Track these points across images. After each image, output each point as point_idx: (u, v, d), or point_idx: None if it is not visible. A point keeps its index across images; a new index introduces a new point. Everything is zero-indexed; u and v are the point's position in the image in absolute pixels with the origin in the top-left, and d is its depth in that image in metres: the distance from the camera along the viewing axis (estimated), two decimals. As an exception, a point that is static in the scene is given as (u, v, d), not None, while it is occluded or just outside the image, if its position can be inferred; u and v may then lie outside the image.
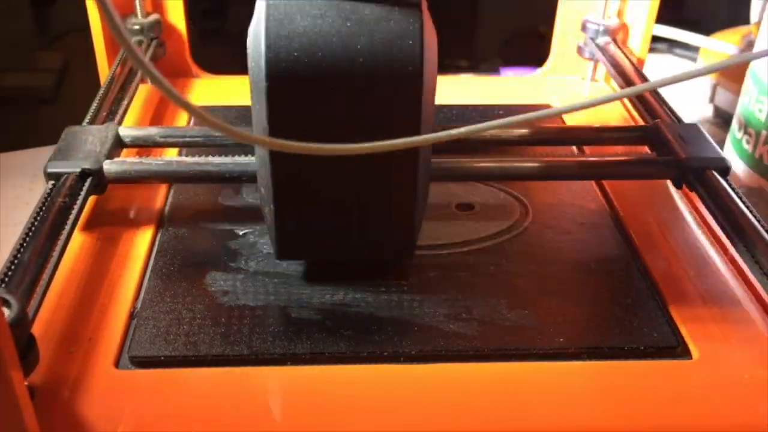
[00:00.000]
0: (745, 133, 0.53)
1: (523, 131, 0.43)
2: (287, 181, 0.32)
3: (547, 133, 0.45)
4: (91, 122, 0.43)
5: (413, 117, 0.30)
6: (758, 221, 0.35)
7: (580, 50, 0.57)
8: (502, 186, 0.43)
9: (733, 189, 0.37)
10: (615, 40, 0.55)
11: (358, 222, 0.34)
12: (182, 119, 0.51)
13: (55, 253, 0.32)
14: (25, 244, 0.32)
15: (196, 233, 0.39)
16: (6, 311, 0.26)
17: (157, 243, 0.38)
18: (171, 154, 0.45)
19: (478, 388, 0.30)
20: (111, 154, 0.39)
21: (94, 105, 0.44)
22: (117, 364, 0.31)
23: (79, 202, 0.36)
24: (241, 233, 0.39)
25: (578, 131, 0.46)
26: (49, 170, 0.37)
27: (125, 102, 0.46)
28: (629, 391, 0.30)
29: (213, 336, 0.32)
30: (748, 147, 0.52)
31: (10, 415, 0.23)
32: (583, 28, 0.56)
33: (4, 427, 0.23)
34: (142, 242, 0.38)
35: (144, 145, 0.43)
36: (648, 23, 0.55)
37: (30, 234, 0.32)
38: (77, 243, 0.37)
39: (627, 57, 0.52)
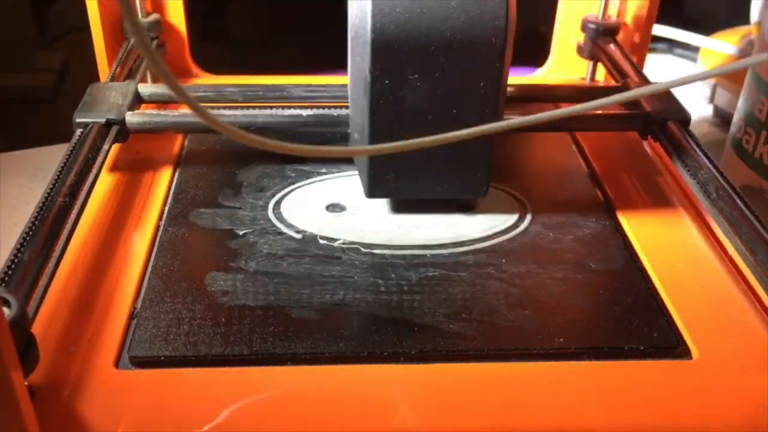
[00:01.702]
0: (745, 133, 0.53)
1: (508, 90, 0.47)
2: (382, 128, 0.36)
3: (527, 90, 0.50)
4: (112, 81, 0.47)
5: (498, 69, 0.35)
6: (750, 211, 0.36)
7: (579, 50, 0.57)
8: (502, 186, 0.43)
9: (692, 138, 0.42)
10: (615, 40, 0.55)
11: (441, 161, 0.38)
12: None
13: (56, 253, 0.33)
14: (25, 244, 0.31)
15: (195, 233, 0.39)
16: (6, 311, 0.26)
17: (157, 242, 0.38)
18: (186, 109, 0.46)
19: (478, 388, 0.30)
20: (132, 107, 0.43)
21: (115, 65, 0.49)
22: (117, 364, 0.31)
23: (82, 195, 0.37)
24: (241, 233, 0.39)
25: (555, 89, 0.51)
26: (78, 120, 0.41)
27: (142, 68, 0.50)
28: (629, 391, 0.31)
29: (213, 336, 0.32)
30: (748, 147, 0.52)
31: (10, 415, 0.23)
32: (583, 28, 0.56)
33: (4, 427, 0.23)
34: (143, 238, 0.38)
35: (160, 101, 0.47)
36: (648, 23, 0.55)
37: (31, 232, 0.32)
38: (80, 237, 0.37)
39: (627, 57, 0.52)
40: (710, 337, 0.33)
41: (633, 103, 0.46)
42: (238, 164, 0.45)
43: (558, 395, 0.30)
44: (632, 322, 0.34)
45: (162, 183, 0.43)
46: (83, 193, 0.36)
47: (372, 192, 0.39)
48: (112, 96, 0.44)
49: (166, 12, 0.55)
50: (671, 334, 0.33)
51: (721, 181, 0.38)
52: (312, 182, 0.43)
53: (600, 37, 0.55)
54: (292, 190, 0.43)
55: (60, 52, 0.77)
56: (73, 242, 0.35)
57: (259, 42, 0.77)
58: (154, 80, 0.55)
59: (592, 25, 0.55)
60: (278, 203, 0.41)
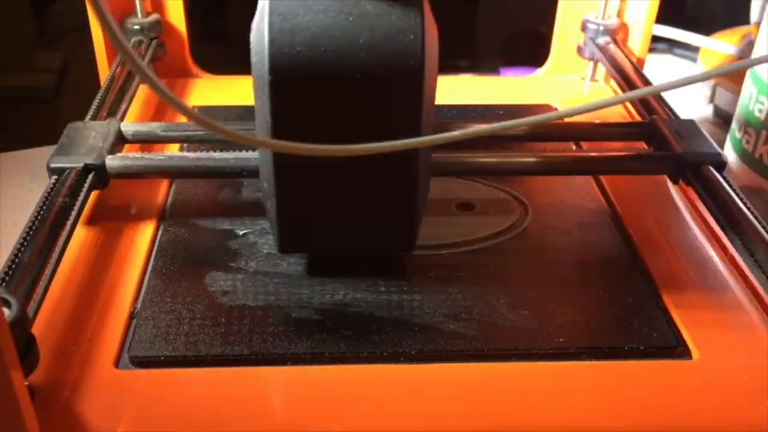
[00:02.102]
0: (745, 132, 0.53)
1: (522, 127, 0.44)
2: (289, 176, 0.32)
3: (545, 128, 0.45)
4: (93, 119, 0.43)
5: (415, 111, 0.31)
6: (753, 215, 0.35)
7: (580, 50, 0.57)
8: (502, 186, 0.43)
9: (728, 183, 0.38)
10: (615, 40, 0.55)
11: (358, 215, 0.34)
12: (183, 118, 0.51)
13: (55, 254, 0.33)
14: (25, 244, 0.32)
15: (196, 233, 0.39)
16: (6, 311, 0.26)
17: (157, 242, 0.38)
18: (173, 150, 0.45)
19: (478, 388, 0.30)
20: (113, 150, 0.40)
21: (96, 102, 0.45)
22: (117, 364, 0.31)
23: (81, 196, 0.36)
24: (241, 233, 0.39)
25: (576, 127, 0.46)
26: (52, 165, 0.38)
27: (126, 101, 0.46)
28: (629, 391, 0.30)
29: (213, 336, 0.32)
30: (747, 147, 0.52)
31: (10, 415, 0.23)
32: (583, 28, 0.56)
33: (4, 428, 0.23)
34: (143, 239, 0.38)
35: (146, 141, 0.43)
36: (648, 23, 0.55)
37: (31, 233, 0.32)
38: (78, 240, 0.37)
39: (627, 57, 0.52)
40: (710, 338, 0.33)
41: (660, 141, 0.42)
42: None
43: (558, 395, 0.30)
44: (632, 323, 0.34)
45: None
46: (57, 251, 0.33)
47: (285, 247, 0.35)
48: (91, 137, 0.40)
49: (166, 12, 0.55)
50: (671, 335, 0.33)
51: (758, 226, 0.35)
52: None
53: (600, 37, 0.55)
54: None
55: (60, 52, 0.77)
56: (73, 241, 0.35)
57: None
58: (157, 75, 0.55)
59: (592, 25, 0.55)
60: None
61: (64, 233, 0.34)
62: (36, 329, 0.30)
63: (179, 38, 0.56)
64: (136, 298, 0.34)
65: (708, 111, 0.74)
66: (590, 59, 0.57)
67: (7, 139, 0.63)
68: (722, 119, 0.71)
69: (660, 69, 0.80)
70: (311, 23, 0.29)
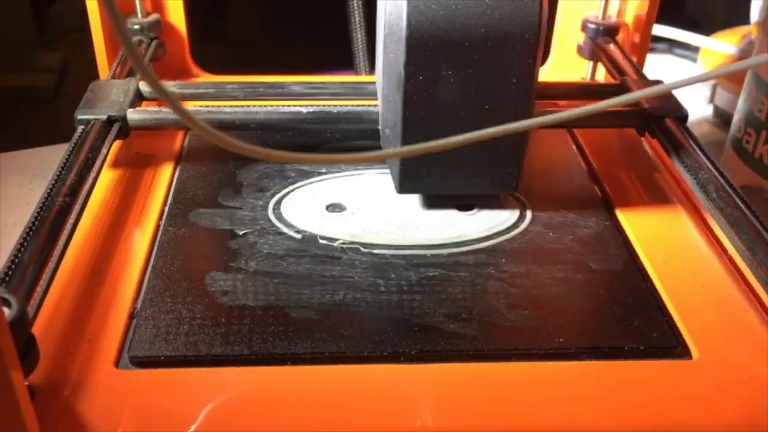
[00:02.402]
0: (745, 132, 0.53)
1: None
2: (414, 124, 0.37)
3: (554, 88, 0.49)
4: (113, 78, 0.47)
5: (531, 66, 0.36)
6: (751, 211, 0.36)
7: (579, 50, 0.57)
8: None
9: (689, 134, 0.42)
10: (615, 40, 0.55)
11: (472, 157, 0.38)
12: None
13: (56, 253, 0.32)
14: (25, 244, 0.31)
15: (196, 233, 0.39)
16: (6, 311, 0.26)
17: (157, 242, 0.38)
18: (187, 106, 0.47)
19: (478, 388, 0.30)
20: (133, 105, 0.44)
21: (116, 63, 0.49)
22: (117, 364, 0.31)
23: (82, 194, 0.37)
24: (241, 233, 0.39)
25: (554, 87, 0.51)
26: (79, 117, 0.42)
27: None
28: (629, 391, 0.30)
29: (213, 336, 0.32)
30: (747, 147, 0.52)
31: (10, 415, 0.23)
32: (583, 28, 0.56)
33: (4, 428, 0.23)
34: (143, 238, 0.38)
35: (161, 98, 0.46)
36: (648, 23, 0.55)
37: (31, 232, 0.32)
38: (80, 237, 0.37)
39: (627, 57, 0.52)
40: (710, 337, 0.33)
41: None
42: (238, 163, 0.45)
43: (558, 395, 0.30)
44: (632, 322, 0.34)
45: (162, 181, 0.43)
46: (84, 191, 0.37)
47: (403, 187, 0.40)
48: (113, 93, 0.44)
49: (166, 12, 0.55)
50: (671, 334, 0.33)
51: (721, 180, 0.38)
52: (312, 182, 0.43)
53: (600, 37, 0.55)
54: (292, 190, 0.43)
55: (60, 52, 0.77)
56: (73, 242, 0.35)
57: (259, 42, 0.77)
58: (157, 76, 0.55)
59: (592, 25, 0.55)
60: (278, 203, 0.41)
61: (66, 232, 0.34)
62: (36, 329, 0.30)
63: (179, 38, 0.56)
64: (136, 298, 0.34)
65: (708, 111, 0.74)
66: (590, 59, 0.57)
67: (7, 139, 0.64)
68: (722, 119, 0.72)
69: (660, 69, 0.80)
70: None
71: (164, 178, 0.43)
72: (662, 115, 0.44)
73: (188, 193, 0.42)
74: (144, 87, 0.46)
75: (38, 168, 0.57)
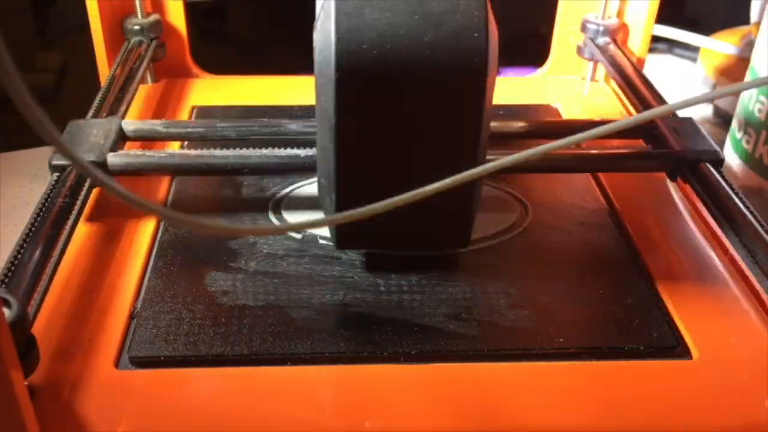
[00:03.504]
0: (745, 132, 0.53)
1: (522, 125, 0.44)
2: (350, 173, 0.33)
3: (545, 126, 0.45)
4: (94, 117, 0.43)
5: (477, 109, 0.31)
6: (751, 213, 0.35)
7: (579, 50, 0.57)
8: (502, 185, 0.43)
9: (726, 181, 0.38)
10: (615, 41, 0.55)
11: (416, 215, 0.33)
12: (183, 118, 0.51)
13: (56, 254, 0.33)
14: (26, 244, 0.32)
15: (196, 233, 0.39)
16: (6, 311, 0.26)
17: (157, 242, 0.38)
18: (174, 148, 0.45)
19: (478, 388, 0.30)
20: (115, 147, 0.40)
21: (96, 102, 0.45)
22: (117, 365, 0.31)
23: (83, 194, 0.36)
24: (241, 233, 0.39)
25: (575, 125, 0.46)
26: (54, 162, 0.38)
27: (126, 100, 0.46)
28: (629, 391, 0.30)
29: (213, 336, 0.32)
30: (747, 147, 0.52)
31: (10, 416, 0.23)
32: (583, 28, 0.56)
33: (4, 428, 0.23)
34: (143, 237, 0.38)
35: (147, 138, 0.43)
36: (648, 23, 0.55)
37: (31, 232, 0.32)
38: (79, 239, 0.37)
39: (627, 57, 0.52)
40: (710, 338, 0.33)
41: (659, 140, 0.42)
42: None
43: (558, 395, 0.30)
44: (632, 323, 0.34)
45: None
46: (58, 248, 0.33)
47: (341, 243, 0.36)
48: (92, 135, 0.40)
49: (166, 12, 0.55)
50: (671, 335, 0.33)
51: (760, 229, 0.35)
52: (312, 182, 0.43)
53: (600, 38, 0.55)
54: (292, 190, 0.43)
55: (60, 53, 0.77)
56: (72, 242, 0.35)
57: (259, 42, 0.77)
58: (158, 76, 0.55)
59: (592, 26, 0.55)
60: (278, 202, 0.41)
61: (65, 232, 0.34)
62: (36, 329, 0.30)
63: (179, 38, 0.56)
64: (136, 298, 0.34)
65: (708, 111, 0.74)
66: (590, 59, 0.57)
67: (7, 139, 0.63)
68: (722, 119, 0.71)
69: (660, 69, 0.80)
70: (377, 22, 0.30)
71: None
72: (696, 160, 0.40)
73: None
74: (127, 125, 0.42)
75: (38, 168, 0.57)
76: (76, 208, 0.35)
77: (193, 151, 0.40)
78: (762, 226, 0.34)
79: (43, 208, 0.34)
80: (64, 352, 0.31)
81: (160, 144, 0.45)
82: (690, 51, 0.82)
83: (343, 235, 0.35)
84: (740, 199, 0.37)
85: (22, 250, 0.31)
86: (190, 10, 0.56)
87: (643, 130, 0.44)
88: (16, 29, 0.76)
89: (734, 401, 0.30)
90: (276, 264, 0.37)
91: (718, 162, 0.40)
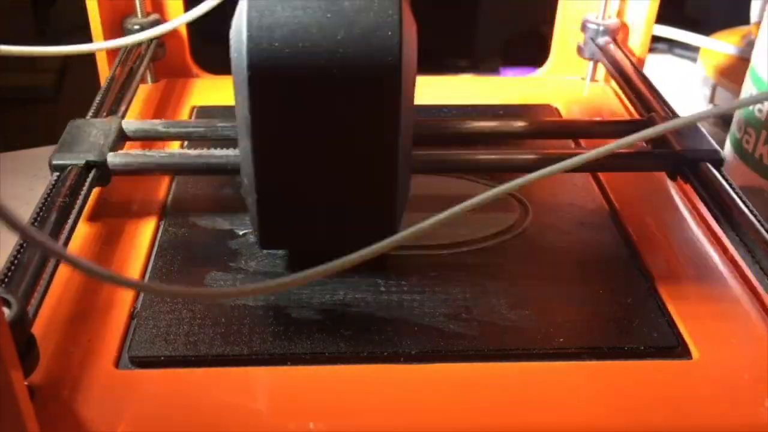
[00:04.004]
0: (745, 132, 0.53)
1: (521, 124, 0.44)
2: (269, 172, 0.32)
3: (544, 126, 0.45)
4: (95, 117, 0.43)
5: (393, 108, 0.31)
6: (752, 212, 0.35)
7: (579, 50, 0.57)
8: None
9: (727, 181, 0.38)
10: (615, 40, 0.55)
11: (338, 212, 0.34)
12: (182, 118, 0.51)
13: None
14: (25, 244, 0.31)
15: (196, 233, 0.39)
16: (6, 311, 0.26)
17: (157, 242, 0.38)
18: (174, 147, 0.45)
19: (478, 388, 0.30)
20: (115, 147, 0.40)
21: (96, 101, 0.45)
22: (117, 365, 0.31)
23: (83, 193, 0.36)
24: (241, 233, 0.39)
25: (574, 124, 0.47)
26: (54, 162, 0.38)
27: (126, 100, 0.46)
28: (629, 391, 0.30)
29: (213, 336, 0.32)
30: (747, 147, 0.52)
31: (10, 415, 0.23)
32: (583, 28, 0.56)
33: (4, 427, 0.23)
34: (144, 237, 0.38)
35: (147, 138, 0.43)
36: (648, 23, 0.55)
37: (37, 220, 0.32)
38: (79, 238, 0.37)
39: (627, 57, 0.52)
40: (710, 338, 0.33)
41: (661, 141, 0.42)
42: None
43: (558, 395, 0.30)
44: (632, 322, 0.34)
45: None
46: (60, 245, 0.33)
47: (265, 243, 0.35)
48: (92, 134, 0.40)
49: (165, 12, 0.55)
50: (671, 334, 0.33)
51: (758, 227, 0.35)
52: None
53: (600, 37, 0.55)
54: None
55: (60, 53, 0.77)
56: (73, 241, 0.35)
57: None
58: (158, 75, 0.55)
59: (592, 26, 0.55)
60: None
61: (65, 232, 0.34)
62: (36, 329, 0.30)
63: (179, 38, 0.56)
64: (136, 298, 0.34)
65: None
66: (590, 59, 0.57)
67: (6, 139, 0.64)
68: (722, 119, 0.71)
69: (660, 69, 0.80)
70: (289, 20, 0.30)
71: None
72: (698, 158, 0.40)
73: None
74: (127, 125, 0.42)
75: (38, 168, 0.57)
76: (76, 207, 0.35)
77: (193, 151, 0.40)
78: (763, 225, 0.34)
79: (43, 208, 0.34)
80: (64, 352, 0.31)
81: (160, 144, 0.45)
82: (690, 51, 0.82)
83: (267, 236, 0.35)
84: (741, 198, 0.37)
85: (22, 250, 0.31)
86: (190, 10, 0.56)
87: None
88: (16, 29, 0.76)
89: (734, 401, 0.30)
90: (276, 264, 0.37)
91: (719, 162, 0.40)
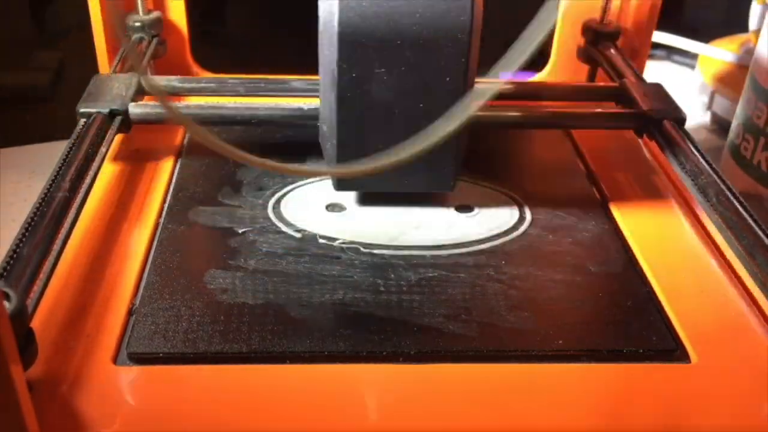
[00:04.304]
0: (744, 139, 0.53)
1: (504, 88, 0.47)
2: (350, 118, 0.37)
3: (522, 88, 0.50)
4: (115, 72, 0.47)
5: (462, 70, 0.36)
6: (709, 164, 0.38)
7: (579, 54, 0.57)
8: (502, 187, 0.44)
9: (687, 136, 0.42)
10: (615, 45, 0.55)
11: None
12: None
13: (56, 247, 0.32)
14: (24, 238, 0.31)
15: (195, 230, 0.39)
16: (6, 305, 0.26)
17: (156, 239, 0.38)
18: (188, 102, 0.49)
19: (478, 389, 0.30)
20: (135, 99, 0.44)
21: (118, 58, 0.49)
22: (115, 361, 0.31)
23: (83, 189, 0.37)
24: (240, 231, 0.39)
25: (550, 88, 0.51)
26: (82, 110, 0.42)
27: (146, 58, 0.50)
28: (628, 394, 0.31)
29: (212, 333, 0.32)
30: (746, 153, 0.52)
31: (8, 409, 0.23)
32: (583, 32, 0.56)
33: (2, 421, 0.23)
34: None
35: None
36: (648, 28, 0.55)
37: (31, 226, 0.32)
38: (79, 232, 0.37)
39: (627, 62, 0.52)
40: (709, 341, 0.33)
41: (629, 102, 0.46)
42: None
43: (557, 397, 0.30)
44: (631, 325, 0.34)
45: (162, 177, 0.43)
46: (85, 185, 0.36)
47: (340, 185, 0.40)
48: (115, 87, 0.44)
49: (167, 10, 0.55)
50: (670, 338, 0.33)
51: (720, 184, 0.38)
52: (312, 181, 0.43)
53: (600, 42, 0.55)
54: (292, 189, 0.43)
55: (58, 51, 0.77)
56: (72, 237, 0.35)
57: (259, 42, 0.77)
58: (158, 73, 0.55)
59: (592, 30, 0.55)
60: (278, 202, 0.41)
61: (65, 226, 0.34)
62: (35, 324, 0.30)
63: (180, 36, 0.56)
64: (134, 294, 0.34)
65: (706, 118, 0.74)
66: (590, 64, 0.57)
67: (4, 135, 0.63)
68: (720, 126, 0.72)
69: (658, 76, 0.80)
70: None
71: (164, 174, 0.44)
72: (661, 118, 0.44)
73: (188, 190, 0.42)
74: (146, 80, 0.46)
75: (36, 164, 0.57)
76: (77, 200, 0.36)
77: (205, 103, 0.44)
78: (761, 228, 0.34)
79: (71, 151, 0.37)
80: (63, 347, 0.31)
81: (176, 98, 0.50)
82: (688, 58, 0.82)
83: (342, 179, 0.40)
84: (701, 154, 0.40)
85: (21, 244, 0.31)
86: (191, 8, 0.56)
87: (615, 94, 0.48)
88: (14, 27, 0.76)
89: (733, 405, 0.30)
90: (275, 262, 0.37)
91: (681, 120, 0.44)
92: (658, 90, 0.47)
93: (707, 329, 0.34)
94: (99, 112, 0.42)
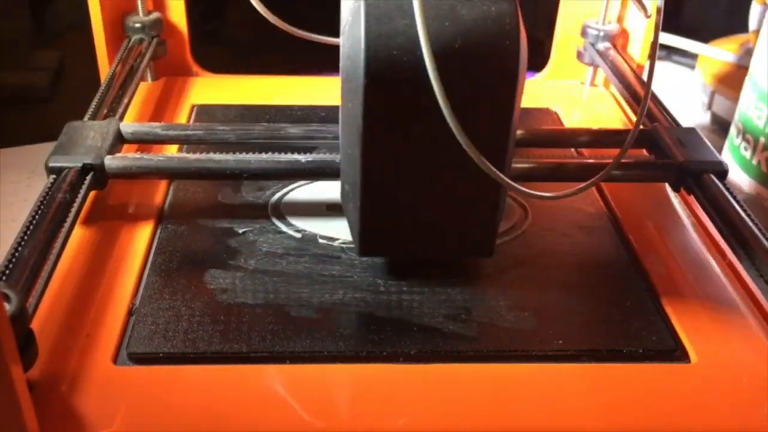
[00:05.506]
0: (743, 139, 0.53)
1: (523, 132, 0.44)
2: (376, 181, 0.32)
3: (547, 135, 0.45)
4: (93, 118, 0.43)
5: (507, 116, 0.31)
6: (755, 224, 0.35)
7: (579, 55, 0.57)
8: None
9: (730, 193, 0.38)
10: (615, 46, 0.55)
11: (440, 223, 0.34)
12: (182, 117, 0.51)
13: (55, 249, 0.32)
14: (25, 239, 0.31)
15: (195, 231, 0.39)
16: (6, 306, 0.26)
17: (156, 240, 0.38)
18: (171, 151, 0.45)
19: (477, 388, 0.30)
20: (112, 150, 0.39)
21: (95, 101, 0.44)
22: (115, 361, 0.31)
23: (80, 196, 0.36)
24: (240, 231, 0.39)
25: (577, 134, 0.46)
26: (51, 164, 0.37)
27: (126, 99, 0.46)
28: (628, 394, 0.31)
29: (212, 333, 0.32)
30: (746, 154, 0.52)
31: (9, 409, 0.23)
32: (583, 33, 0.56)
33: (3, 420, 0.23)
34: (141, 238, 0.38)
35: (145, 141, 0.43)
36: (648, 29, 0.55)
37: (30, 229, 0.32)
38: (77, 238, 0.37)
39: (627, 62, 0.53)
40: (708, 341, 0.33)
41: (664, 152, 0.42)
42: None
43: (557, 397, 0.30)
44: (631, 326, 0.34)
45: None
46: (54, 251, 0.33)
47: (364, 250, 0.35)
48: (90, 137, 0.39)
49: (167, 11, 0.55)
50: (670, 338, 0.33)
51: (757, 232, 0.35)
52: (311, 183, 0.43)
53: (600, 43, 0.55)
54: (292, 189, 0.43)
55: (57, 51, 0.77)
56: (73, 237, 0.35)
57: (259, 42, 0.77)
58: (158, 73, 0.55)
59: (592, 31, 0.55)
60: (279, 201, 0.41)
61: (64, 229, 0.34)
62: (35, 324, 0.30)
63: (180, 37, 0.56)
64: (134, 295, 0.34)
65: (706, 118, 0.74)
66: (590, 64, 0.57)
67: (4, 136, 0.63)
68: (720, 126, 0.72)
69: (658, 75, 0.80)
70: (407, 28, 0.29)
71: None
72: (701, 171, 0.40)
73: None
74: (125, 128, 0.41)
75: (36, 165, 0.57)
76: (76, 204, 0.35)
77: (191, 155, 0.39)
78: (764, 235, 0.34)
79: (42, 204, 0.34)
80: (63, 347, 0.31)
81: (158, 147, 0.44)
82: (688, 58, 0.82)
83: (366, 243, 0.34)
84: (744, 210, 0.36)
85: (21, 246, 0.31)
86: (191, 9, 0.56)
87: (647, 140, 0.43)
88: (13, 28, 0.76)
89: (732, 405, 0.30)
90: (275, 263, 0.37)
91: (722, 173, 0.39)
92: (694, 137, 0.42)
93: (707, 329, 0.34)
94: (71, 167, 0.37)
